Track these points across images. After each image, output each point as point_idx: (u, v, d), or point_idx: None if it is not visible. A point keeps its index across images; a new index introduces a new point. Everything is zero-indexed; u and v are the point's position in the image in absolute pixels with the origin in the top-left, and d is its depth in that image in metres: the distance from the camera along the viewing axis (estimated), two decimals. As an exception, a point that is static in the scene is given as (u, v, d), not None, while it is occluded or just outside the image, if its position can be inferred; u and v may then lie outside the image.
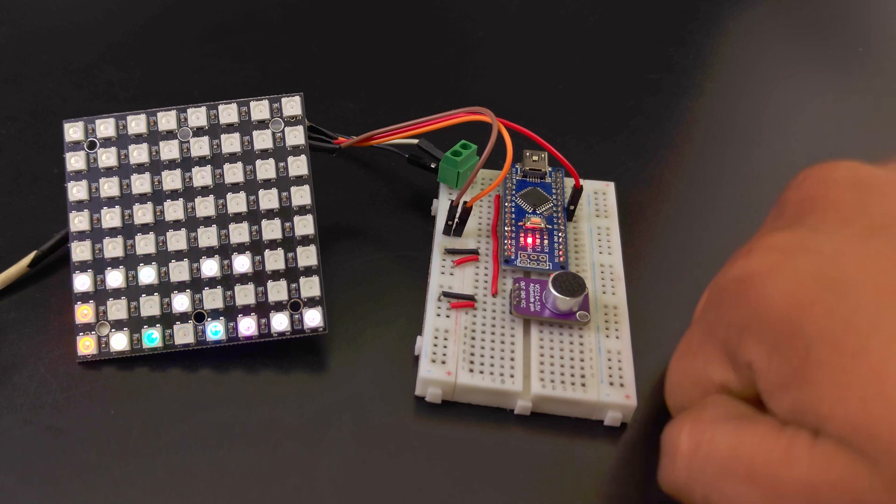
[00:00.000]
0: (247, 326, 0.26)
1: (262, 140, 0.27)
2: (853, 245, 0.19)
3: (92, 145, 0.27)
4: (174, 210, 0.27)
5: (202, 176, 0.27)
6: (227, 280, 0.26)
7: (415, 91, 0.37)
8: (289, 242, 0.27)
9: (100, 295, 0.26)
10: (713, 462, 0.19)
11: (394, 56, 0.39)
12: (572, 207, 0.30)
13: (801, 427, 0.18)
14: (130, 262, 0.27)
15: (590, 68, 0.40)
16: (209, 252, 0.27)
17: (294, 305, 0.26)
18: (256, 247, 0.27)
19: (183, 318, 0.26)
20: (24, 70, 0.37)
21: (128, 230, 0.27)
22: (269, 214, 0.27)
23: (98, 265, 0.26)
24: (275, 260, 0.26)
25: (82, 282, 0.26)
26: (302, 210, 0.27)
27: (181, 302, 0.26)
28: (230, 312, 0.26)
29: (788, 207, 0.22)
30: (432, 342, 0.26)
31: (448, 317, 0.26)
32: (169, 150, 0.27)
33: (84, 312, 0.26)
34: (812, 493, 0.17)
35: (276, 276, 0.26)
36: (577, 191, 0.29)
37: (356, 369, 0.26)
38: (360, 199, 0.32)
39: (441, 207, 0.30)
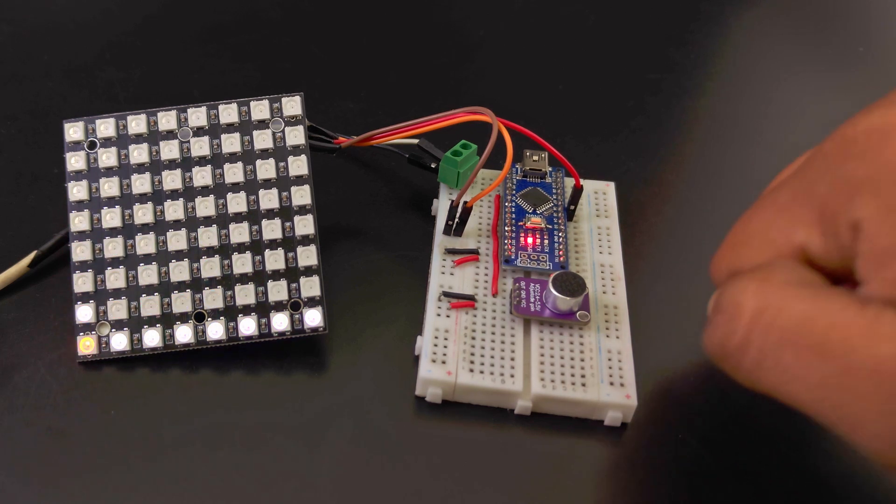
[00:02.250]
0: (247, 326, 0.26)
1: (263, 140, 0.27)
2: None
3: (92, 145, 0.27)
4: (174, 210, 0.27)
5: (202, 176, 0.27)
6: (228, 280, 0.26)
7: (415, 91, 0.37)
8: (289, 242, 0.27)
9: (100, 295, 0.26)
10: (779, 328, 0.18)
11: (394, 56, 0.39)
12: (572, 207, 0.30)
13: (889, 305, 0.17)
14: (130, 262, 0.27)
15: (590, 68, 0.40)
16: (209, 252, 0.27)
17: (294, 305, 0.26)
18: (256, 247, 0.27)
19: (183, 318, 0.26)
20: (24, 70, 0.37)
21: (128, 230, 0.27)
22: (270, 214, 0.27)
23: (98, 265, 0.26)
24: (275, 260, 0.26)
25: (82, 282, 0.26)
26: (302, 210, 0.27)
27: (181, 302, 0.26)
28: (230, 312, 0.26)
29: None
30: (432, 342, 0.26)
31: (448, 317, 0.26)
32: (169, 150, 0.27)
33: (84, 312, 0.26)
34: (892, 372, 0.16)
35: (276, 275, 0.26)
36: (578, 191, 0.29)
37: (356, 369, 0.26)
38: (361, 199, 0.32)
39: (441, 207, 0.30)
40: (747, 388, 0.19)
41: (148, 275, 0.26)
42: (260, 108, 0.27)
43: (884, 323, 0.17)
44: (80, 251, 0.26)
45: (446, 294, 0.27)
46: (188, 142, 0.27)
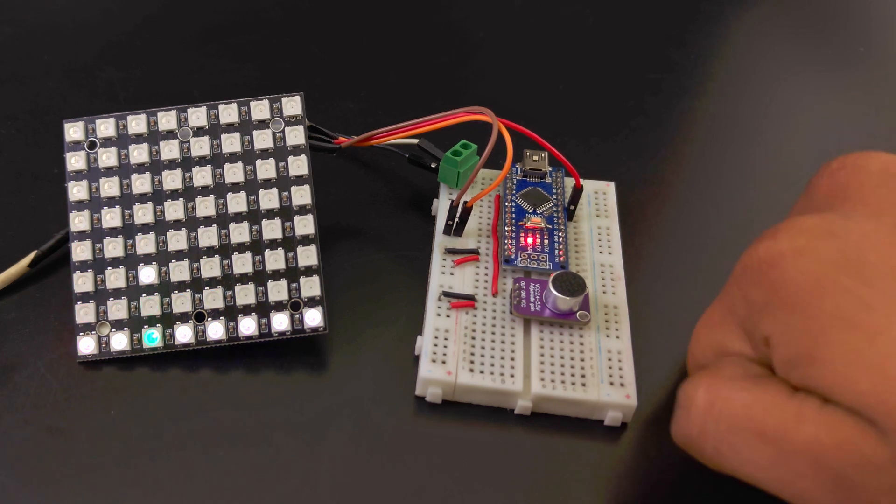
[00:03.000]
0: (247, 326, 0.26)
1: (263, 140, 0.27)
2: (880, 234, 0.19)
3: (92, 145, 0.27)
4: (174, 210, 0.27)
5: (202, 176, 0.27)
6: (228, 280, 0.26)
7: (415, 91, 0.37)
8: (289, 242, 0.27)
9: (100, 295, 0.26)
10: (726, 418, 0.20)
11: (394, 56, 0.39)
12: (572, 207, 0.30)
13: (811, 394, 0.19)
14: (131, 261, 0.27)
15: (590, 68, 0.40)
16: (209, 252, 0.27)
17: (294, 305, 0.26)
18: (257, 246, 0.27)
19: (183, 317, 0.26)
20: (24, 70, 0.37)
21: (128, 230, 0.27)
22: (270, 214, 0.27)
23: (98, 265, 0.26)
24: (275, 260, 0.26)
25: (82, 282, 0.26)
26: (302, 210, 0.27)
27: (181, 302, 0.26)
28: (230, 312, 0.26)
29: (818, 194, 0.22)
30: (432, 342, 0.26)
31: (448, 317, 0.26)
32: (169, 150, 0.27)
33: (84, 312, 0.26)
34: (818, 452, 0.18)
35: (276, 275, 0.26)
36: (578, 191, 0.29)
37: (356, 369, 0.26)
38: (361, 199, 0.32)
39: (441, 207, 0.30)
40: (717, 472, 0.21)
41: (148, 275, 0.26)
42: (260, 108, 0.27)
43: (808, 408, 0.18)
44: (80, 251, 0.26)
45: (446, 294, 0.27)
46: (188, 142, 0.27)
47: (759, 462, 0.19)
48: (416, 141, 0.31)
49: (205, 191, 0.27)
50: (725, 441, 0.20)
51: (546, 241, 0.28)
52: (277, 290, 0.26)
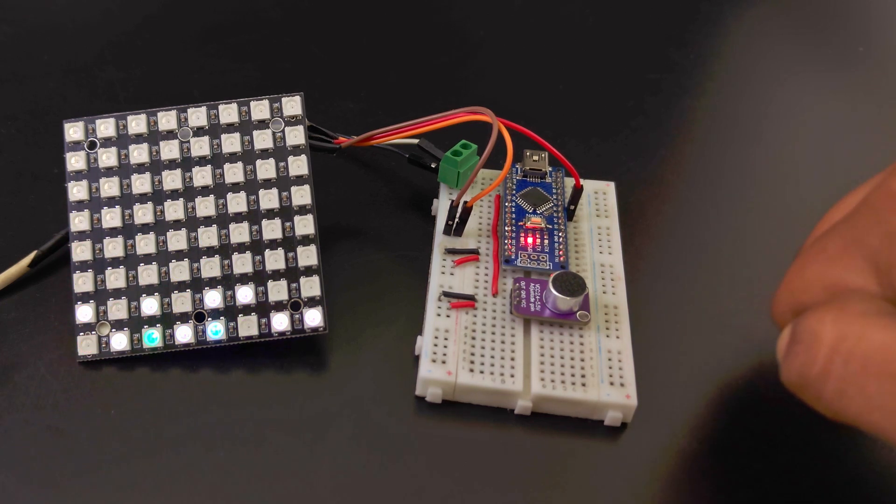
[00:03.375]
0: (247, 326, 0.26)
1: (263, 140, 0.27)
2: None
3: (92, 145, 0.27)
4: (174, 210, 0.27)
5: (202, 176, 0.27)
6: (228, 280, 0.26)
7: (415, 91, 0.37)
8: (289, 242, 0.27)
9: (100, 295, 0.26)
10: (860, 357, 0.18)
11: (394, 56, 0.39)
12: (572, 207, 0.30)
13: None
14: (131, 262, 0.27)
15: (590, 68, 0.40)
16: (209, 252, 0.27)
17: (294, 305, 0.26)
18: (257, 246, 0.27)
19: (183, 318, 0.26)
20: (24, 69, 0.37)
21: (128, 230, 0.27)
22: (270, 214, 0.27)
23: (98, 265, 0.26)
24: (275, 260, 0.26)
25: (82, 282, 0.26)
26: (302, 210, 0.27)
27: (181, 302, 0.26)
28: (230, 312, 0.26)
29: None
30: (432, 342, 0.26)
31: (448, 317, 0.26)
32: (169, 150, 0.27)
33: (84, 312, 0.26)
34: None
35: (276, 275, 0.26)
36: (578, 191, 0.29)
37: (356, 369, 0.26)
38: (360, 199, 0.32)
39: (441, 207, 0.30)
40: (830, 418, 0.19)
41: (148, 275, 0.26)
42: (260, 108, 0.27)
43: None
44: (80, 251, 0.26)
45: (446, 294, 0.27)
46: (188, 142, 0.27)
47: (891, 408, 0.17)
48: (416, 141, 0.31)
49: (205, 191, 0.27)
50: (854, 383, 0.18)
51: (546, 241, 0.28)
52: (277, 290, 0.26)
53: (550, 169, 0.31)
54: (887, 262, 0.19)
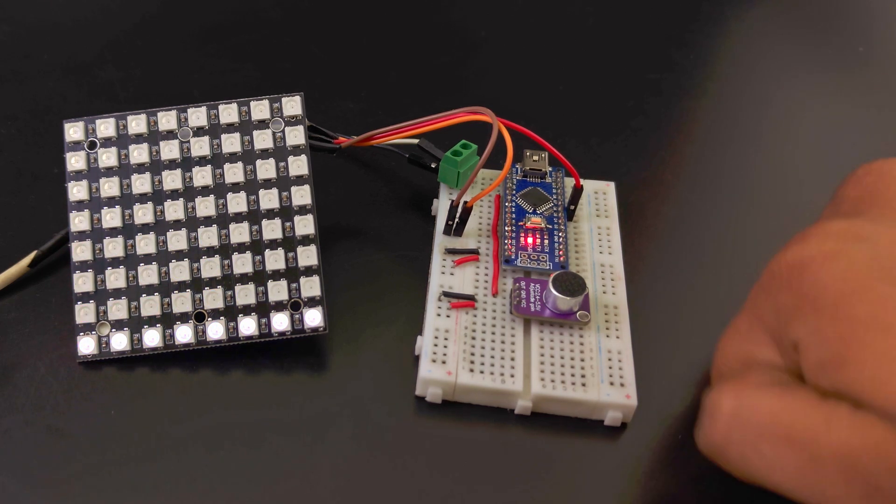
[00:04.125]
0: (247, 326, 0.26)
1: (263, 140, 0.27)
2: None
3: (92, 145, 0.27)
4: (174, 210, 0.27)
5: (202, 176, 0.27)
6: (228, 280, 0.26)
7: (415, 91, 0.37)
8: (289, 242, 0.27)
9: (100, 295, 0.26)
10: (753, 424, 0.20)
11: (394, 56, 0.39)
12: (572, 207, 0.30)
13: (841, 399, 0.19)
14: (131, 262, 0.27)
15: (590, 68, 0.40)
16: (209, 252, 0.27)
17: (294, 305, 0.26)
18: (257, 247, 0.27)
19: (183, 318, 0.26)
20: (24, 69, 0.37)
21: (128, 230, 0.27)
22: (270, 214, 0.27)
23: (98, 265, 0.26)
24: (275, 260, 0.26)
25: (82, 282, 0.26)
26: (302, 210, 0.27)
27: (181, 302, 0.26)
28: (230, 312, 0.26)
29: (846, 202, 0.22)
30: (432, 342, 0.26)
31: (448, 317, 0.26)
32: (169, 150, 0.27)
33: (84, 312, 0.26)
34: (850, 457, 0.18)
35: (276, 275, 0.26)
36: (578, 191, 0.29)
37: (356, 369, 0.26)
38: (361, 199, 0.32)
39: (441, 207, 0.30)
40: (745, 482, 0.21)
41: (148, 275, 0.26)
42: (260, 108, 0.27)
43: (839, 412, 0.18)
44: (80, 251, 0.26)
45: (446, 294, 0.27)
46: (188, 142, 0.27)
47: (787, 469, 0.19)
48: (416, 141, 0.31)
49: (205, 191, 0.27)
50: (752, 448, 0.20)
51: (546, 241, 0.28)
52: (277, 290, 0.26)
53: (550, 169, 0.31)
54: (779, 334, 0.21)
